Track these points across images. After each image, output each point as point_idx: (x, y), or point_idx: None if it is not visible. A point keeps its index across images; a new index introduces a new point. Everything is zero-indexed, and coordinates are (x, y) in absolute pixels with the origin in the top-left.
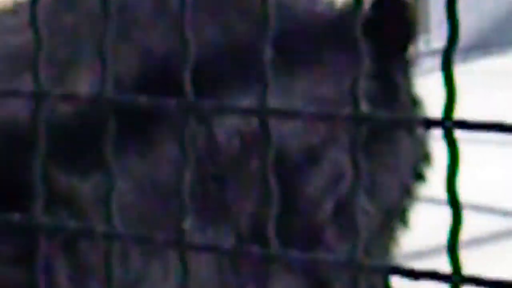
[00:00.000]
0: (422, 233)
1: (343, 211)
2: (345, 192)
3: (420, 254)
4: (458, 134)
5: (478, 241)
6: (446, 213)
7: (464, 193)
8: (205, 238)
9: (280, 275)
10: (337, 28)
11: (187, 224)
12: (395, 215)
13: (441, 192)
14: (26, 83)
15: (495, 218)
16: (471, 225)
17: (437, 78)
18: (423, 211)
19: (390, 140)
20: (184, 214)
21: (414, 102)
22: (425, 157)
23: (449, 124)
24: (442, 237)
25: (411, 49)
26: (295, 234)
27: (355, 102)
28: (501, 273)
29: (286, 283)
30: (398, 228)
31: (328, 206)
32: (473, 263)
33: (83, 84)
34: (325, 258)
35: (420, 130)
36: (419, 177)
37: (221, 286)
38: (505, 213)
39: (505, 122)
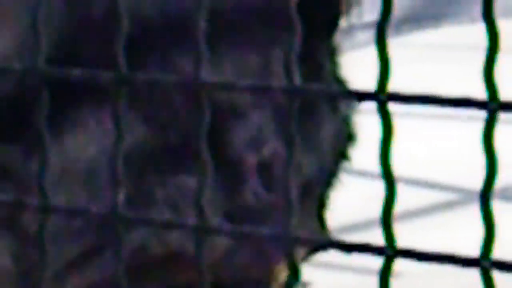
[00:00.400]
0: (355, 206)
1: (267, 175)
2: (269, 158)
3: (353, 228)
4: (392, 107)
5: (411, 215)
6: (379, 186)
7: (397, 167)
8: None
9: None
10: (269, 3)
11: (121, 197)
12: (311, 194)
13: (374, 165)
14: None
15: (428, 192)
16: (404, 198)
17: (371, 52)
18: (356, 184)
19: (312, 116)
20: (118, 187)
21: (340, 83)
22: (350, 137)
23: (383, 97)
24: (375, 210)
25: (342, 24)
26: (221, 179)
27: (288, 75)
28: (434, 246)
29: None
30: (314, 208)
31: (251, 160)
32: (406, 236)
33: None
34: (260, 232)
35: (345, 109)
36: (342, 156)
37: None
38: (438, 187)
39: (438, 95)
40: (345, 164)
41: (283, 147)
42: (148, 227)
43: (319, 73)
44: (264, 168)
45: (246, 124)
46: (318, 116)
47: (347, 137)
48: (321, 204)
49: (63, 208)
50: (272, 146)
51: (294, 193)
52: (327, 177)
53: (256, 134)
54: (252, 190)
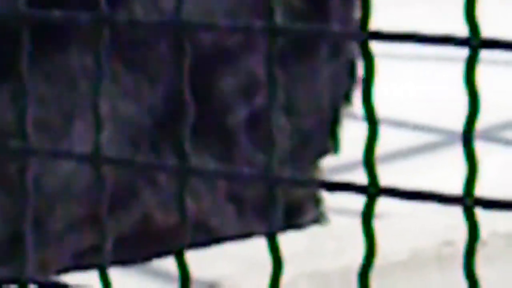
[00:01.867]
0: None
1: (259, 125)
2: (261, 106)
3: (336, 168)
4: (374, 48)
5: (393, 156)
6: (362, 128)
7: (380, 108)
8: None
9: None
10: None
11: (103, 138)
12: (313, 139)
13: (357, 107)
14: None
15: (410, 133)
16: (386, 140)
17: None
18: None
19: (311, 58)
20: (99, 128)
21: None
22: (351, 80)
23: (364, 35)
24: (358, 151)
25: None
26: (209, 134)
27: (271, 14)
28: (418, 187)
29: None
30: (317, 154)
31: (241, 112)
32: (389, 178)
33: None
34: (241, 172)
35: (347, 53)
36: (345, 98)
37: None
38: (421, 128)
39: (419, 33)
40: (346, 108)
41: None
42: (134, 169)
43: (325, 8)
44: (255, 122)
45: (236, 72)
46: (316, 60)
47: (348, 80)
48: (323, 151)
49: (45, 151)
50: (265, 94)
51: (276, 132)
52: (326, 124)
53: (247, 81)
54: (244, 154)
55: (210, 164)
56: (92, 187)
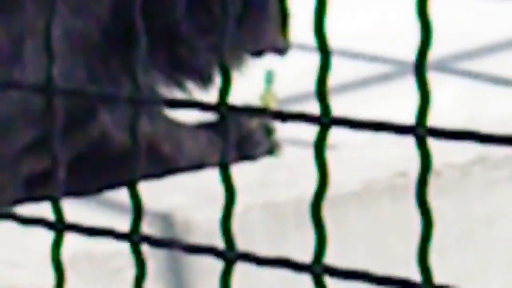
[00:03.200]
0: (291, 79)
1: (200, 8)
2: None
3: (289, 100)
4: None
5: (346, 87)
6: (315, 59)
7: (332, 39)
8: (68, 30)
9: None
10: None
11: (55, 69)
12: (254, 6)
13: (309, 38)
14: None
15: (363, 64)
16: (339, 71)
17: None
18: (292, 57)
19: None
20: (51, 59)
21: None
22: None
23: None
24: (311, 83)
25: None
26: (154, 36)
27: None
28: (369, 117)
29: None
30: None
31: (183, 3)
32: (341, 109)
33: None
34: (194, 102)
35: None
36: None
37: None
38: (373, 59)
39: None
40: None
41: None
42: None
43: None
44: (195, 4)
45: None
46: None
47: None
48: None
49: None
50: None
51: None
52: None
53: None
54: (186, 40)
55: (157, 78)
56: (45, 114)
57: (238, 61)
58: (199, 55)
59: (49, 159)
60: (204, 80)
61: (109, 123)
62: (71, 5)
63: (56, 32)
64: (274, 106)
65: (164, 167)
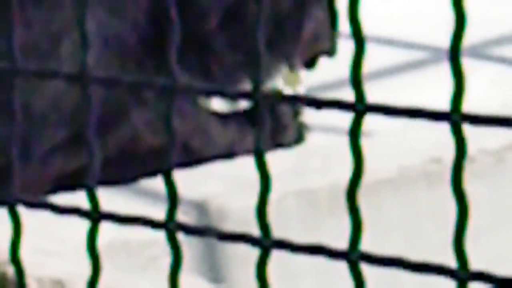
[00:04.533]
0: (325, 66)
1: (233, 19)
2: (234, 0)
3: (323, 87)
4: None
5: (381, 74)
6: (349, 46)
7: (366, 25)
8: (110, 33)
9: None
10: None
11: (90, 57)
12: (286, 28)
13: (344, 25)
14: None
15: (397, 51)
16: (373, 57)
17: None
18: None
19: None
20: (85, 47)
21: None
22: None
23: None
24: (345, 69)
25: None
26: (186, 45)
27: None
28: (403, 104)
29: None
30: (288, 41)
31: (216, 16)
32: (376, 95)
33: None
34: (228, 89)
35: None
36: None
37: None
38: (407, 45)
39: None
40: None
41: None
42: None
43: None
44: (229, 19)
45: None
46: None
47: None
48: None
49: (33, 71)
50: None
51: (262, 39)
52: (302, 9)
53: None
54: (217, 54)
55: (187, 78)
56: (80, 108)
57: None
58: (227, 70)
59: (82, 157)
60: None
61: (141, 124)
62: (107, 5)
63: (92, 31)
64: (299, 87)
65: (194, 159)
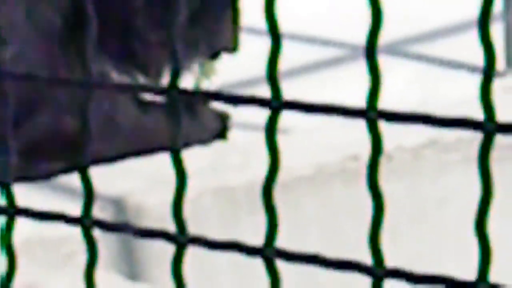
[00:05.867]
0: (243, 63)
1: (158, 1)
2: None
3: (241, 84)
4: None
5: (297, 71)
6: (266, 43)
7: (283, 23)
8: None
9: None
10: None
11: (7, 51)
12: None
13: (260, 22)
14: None
15: (314, 48)
16: (290, 55)
17: None
18: (243, 41)
19: None
20: (2, 45)
21: None
22: None
23: None
24: (262, 67)
25: None
26: (110, 26)
27: None
28: (320, 101)
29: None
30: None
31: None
32: (292, 92)
33: None
34: (147, 85)
35: None
36: None
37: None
38: (324, 43)
39: None
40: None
41: None
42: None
43: None
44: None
45: None
46: None
47: None
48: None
49: None
50: None
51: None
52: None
53: None
54: (139, 33)
55: (108, 66)
56: None
57: (191, 60)
58: (150, 49)
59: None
60: (153, 75)
61: (62, 108)
62: None
63: (19, 16)
64: (214, 77)
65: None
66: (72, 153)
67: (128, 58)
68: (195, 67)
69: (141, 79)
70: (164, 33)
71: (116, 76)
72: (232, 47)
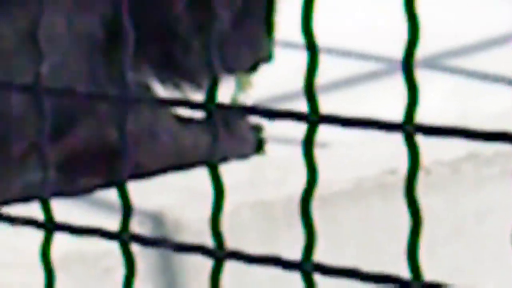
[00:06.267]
0: (280, 77)
1: (200, 6)
2: None
3: (278, 98)
4: None
5: (335, 85)
6: (303, 57)
7: (320, 37)
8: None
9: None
10: None
11: (44, 68)
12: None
13: (297, 36)
14: None
15: (351, 62)
16: (327, 69)
17: None
18: (280, 55)
19: None
20: (41, 58)
21: None
22: None
23: None
24: (299, 81)
25: None
26: (151, 28)
27: None
28: (357, 115)
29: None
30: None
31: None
32: (330, 106)
33: None
34: (186, 100)
35: None
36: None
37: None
38: (361, 57)
39: None
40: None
41: None
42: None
43: None
44: (195, 1)
45: None
46: None
47: None
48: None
49: None
50: None
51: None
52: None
53: None
54: (183, 39)
55: (149, 75)
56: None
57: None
58: (192, 54)
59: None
60: (195, 80)
61: (102, 121)
62: (75, 0)
63: (61, 27)
64: (250, 91)
65: (141, 172)
66: (112, 167)
67: (169, 65)
68: (232, 80)
69: (185, 87)
70: (205, 37)
71: (159, 86)
72: (267, 57)
